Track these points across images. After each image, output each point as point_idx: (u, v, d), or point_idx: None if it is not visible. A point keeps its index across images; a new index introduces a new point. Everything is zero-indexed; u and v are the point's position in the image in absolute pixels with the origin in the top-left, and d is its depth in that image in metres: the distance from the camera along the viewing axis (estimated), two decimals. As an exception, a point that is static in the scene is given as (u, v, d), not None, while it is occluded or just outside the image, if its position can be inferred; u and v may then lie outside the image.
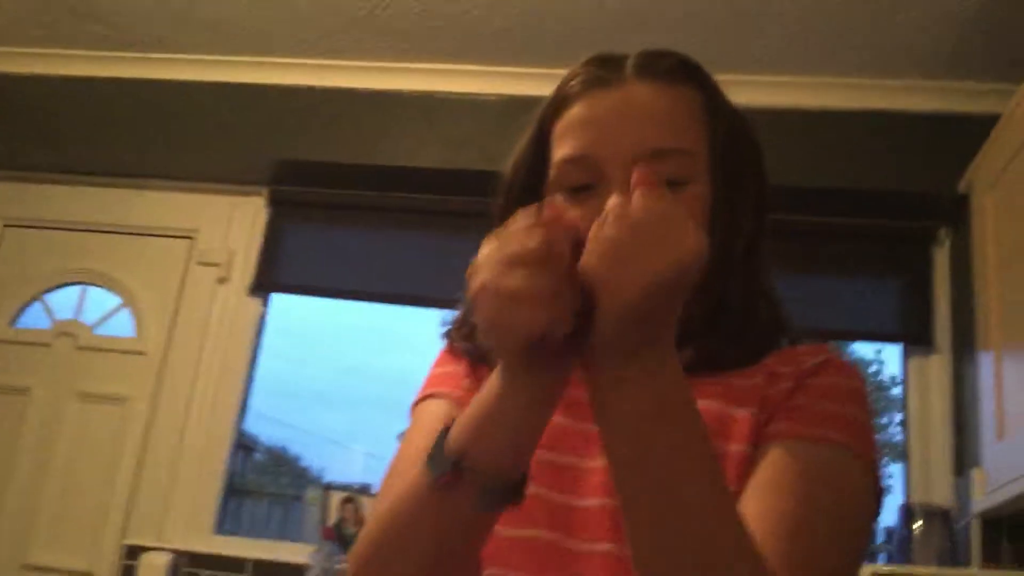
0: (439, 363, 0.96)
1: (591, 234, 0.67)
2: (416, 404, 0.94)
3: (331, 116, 2.81)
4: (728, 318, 0.87)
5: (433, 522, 0.74)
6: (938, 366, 2.52)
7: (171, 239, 2.91)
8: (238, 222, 2.90)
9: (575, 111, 0.89)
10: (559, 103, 0.92)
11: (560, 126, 0.91)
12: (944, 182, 2.44)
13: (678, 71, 0.91)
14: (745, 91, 2.52)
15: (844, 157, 2.55)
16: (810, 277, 2.68)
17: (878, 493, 0.81)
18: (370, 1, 2.51)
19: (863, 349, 8.30)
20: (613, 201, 0.68)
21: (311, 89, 2.82)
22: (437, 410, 0.90)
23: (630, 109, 0.87)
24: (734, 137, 0.91)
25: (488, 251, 0.67)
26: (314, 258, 2.88)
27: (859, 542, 0.80)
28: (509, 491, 0.73)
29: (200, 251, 2.88)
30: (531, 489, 0.77)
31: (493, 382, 0.72)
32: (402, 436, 0.92)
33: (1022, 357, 1.94)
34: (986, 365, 2.13)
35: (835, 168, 2.55)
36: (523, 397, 0.71)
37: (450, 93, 2.76)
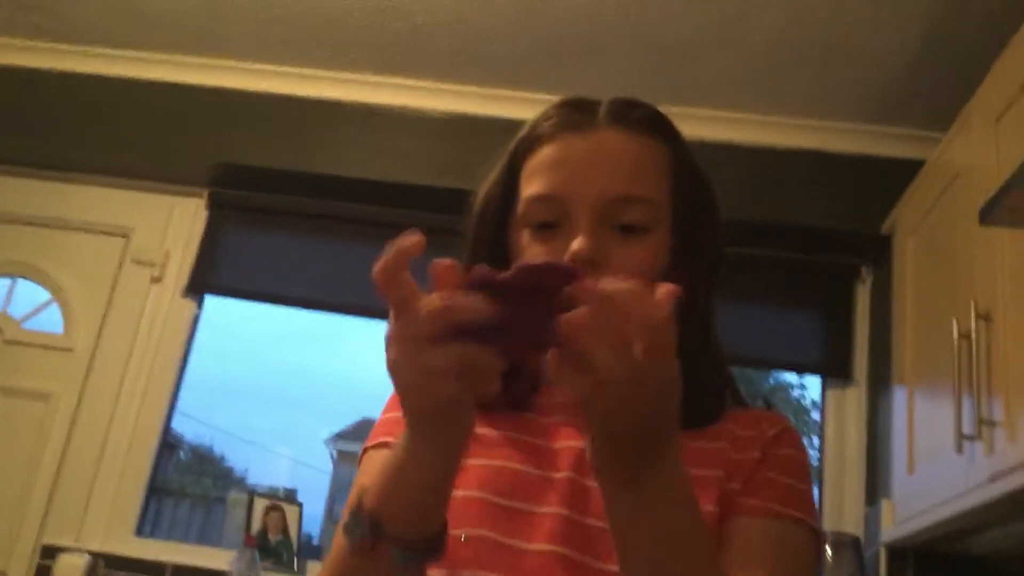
0: (389, 407, 0.98)
1: (566, 321, 0.60)
2: (365, 451, 0.95)
3: (275, 122, 2.80)
4: (687, 376, 0.90)
5: None
6: (855, 398, 2.61)
7: (106, 236, 2.86)
8: (176, 222, 2.87)
9: (547, 151, 0.92)
10: (532, 141, 0.94)
11: (531, 164, 0.93)
12: (869, 222, 2.53)
13: (649, 123, 0.94)
14: (683, 123, 2.63)
15: (775, 193, 2.63)
16: (737, 306, 2.75)
17: (821, 556, 0.89)
18: (322, 12, 2.52)
19: (788, 374, 8.48)
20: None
21: (257, 94, 2.82)
22: (382, 460, 0.92)
23: (601, 154, 0.90)
24: (696, 194, 0.95)
25: (397, 326, 0.65)
26: (250, 262, 2.87)
27: None
28: (428, 547, 0.74)
29: (135, 249, 2.84)
30: (480, 532, 0.81)
31: (403, 445, 0.73)
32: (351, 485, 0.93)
33: (933, 394, 2.02)
34: (900, 400, 2.22)
35: (766, 203, 2.63)
36: (427, 456, 0.72)
37: (394, 107, 2.78)
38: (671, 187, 0.93)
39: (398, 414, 0.94)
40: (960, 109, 2.05)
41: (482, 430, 0.91)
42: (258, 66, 2.81)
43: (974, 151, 1.92)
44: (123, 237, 2.87)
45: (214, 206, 2.88)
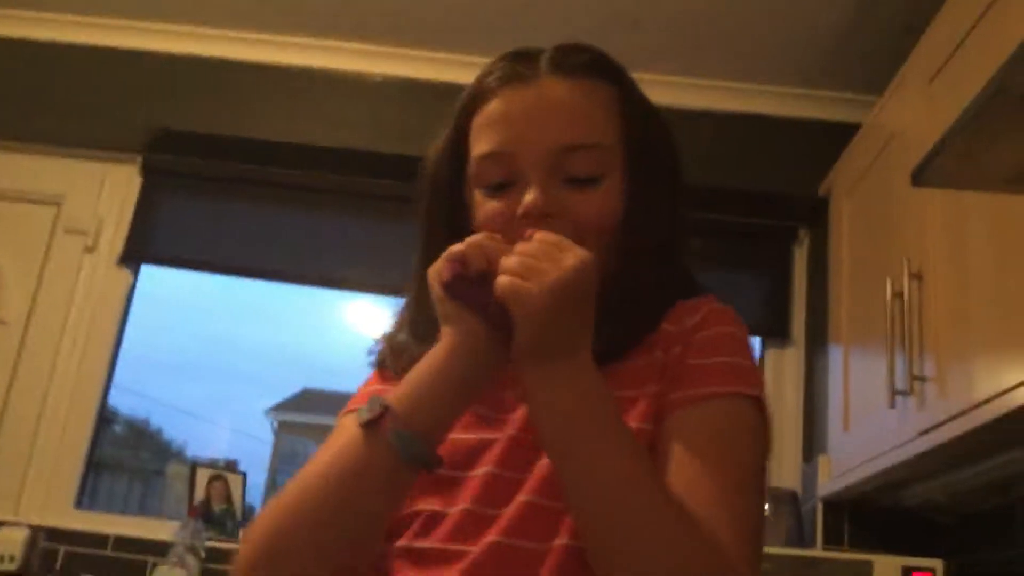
0: (368, 382, 0.98)
1: (500, 263, 0.77)
2: (340, 415, 0.95)
3: (211, 86, 2.75)
4: (633, 302, 0.91)
5: (351, 475, 0.79)
6: (793, 358, 2.66)
7: (36, 205, 2.78)
8: (108, 190, 2.80)
9: (491, 107, 0.92)
10: (476, 98, 0.94)
11: (477, 121, 0.93)
12: (806, 185, 2.58)
13: (592, 66, 0.94)
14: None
15: (713, 157, 2.65)
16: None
17: (768, 423, 0.87)
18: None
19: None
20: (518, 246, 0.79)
21: (192, 57, 2.76)
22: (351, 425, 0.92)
23: (544, 106, 0.90)
24: (649, 131, 0.95)
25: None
26: (187, 230, 2.81)
27: (763, 479, 0.86)
28: (424, 454, 0.78)
29: (67, 218, 2.77)
30: (415, 507, 0.85)
31: (437, 356, 0.80)
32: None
33: (868, 353, 2.08)
34: (835, 359, 2.27)
35: (703, 167, 2.63)
36: (463, 356, 0.79)
37: (333, 70, 2.75)
38: (621, 127, 0.92)
39: (377, 386, 0.95)
40: (891, 72, 2.09)
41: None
42: (192, 29, 2.75)
43: (908, 113, 1.96)
44: (54, 205, 2.78)
45: (148, 173, 2.81)
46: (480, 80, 0.94)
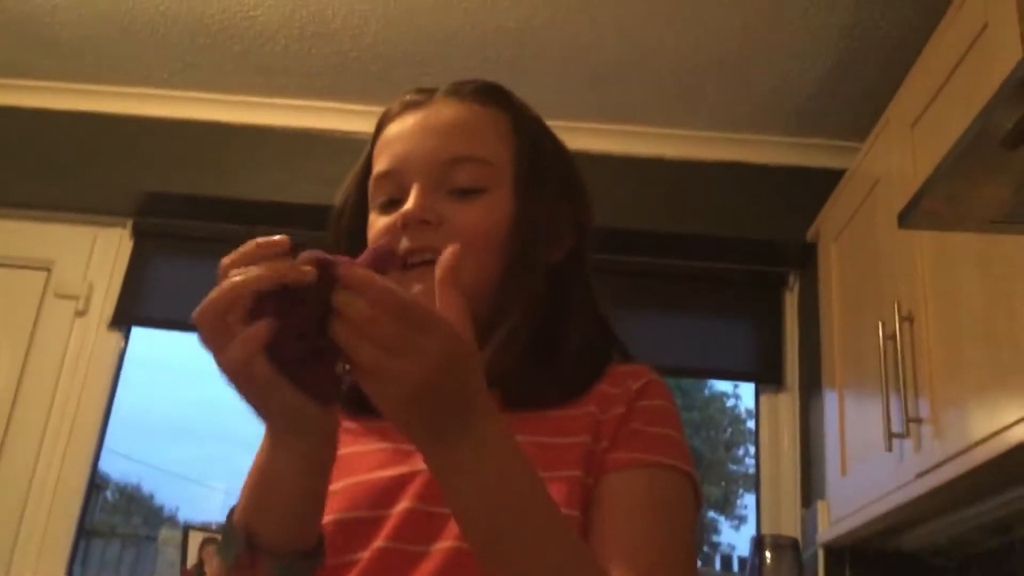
0: None
1: (351, 356, 0.61)
2: None
3: (199, 149, 2.76)
4: (555, 354, 0.90)
5: None
6: (787, 403, 2.66)
7: (26, 270, 2.78)
8: (99, 254, 2.80)
9: (387, 131, 0.95)
10: (377, 128, 0.98)
11: (377, 148, 0.96)
12: (794, 231, 2.59)
13: (482, 92, 0.97)
14: (610, 140, 2.67)
15: (702, 205, 2.68)
16: (670, 317, 2.79)
17: (698, 499, 0.88)
18: (247, 38, 2.50)
19: (721, 384, 8.60)
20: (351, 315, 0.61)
21: (180, 121, 2.77)
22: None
23: (432, 123, 0.93)
24: (540, 154, 0.96)
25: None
26: (178, 291, 2.81)
27: (693, 550, 0.87)
28: (306, 560, 0.72)
29: (57, 283, 2.77)
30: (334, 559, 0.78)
31: (264, 451, 0.71)
32: None
33: (862, 397, 2.07)
34: (830, 403, 2.27)
35: (693, 215, 2.67)
36: (295, 463, 0.69)
37: (321, 130, 2.76)
38: (512, 151, 0.94)
39: None
40: (874, 119, 2.12)
41: (352, 448, 0.89)
42: (180, 93, 2.77)
43: (892, 157, 1.98)
44: (44, 271, 2.79)
45: (138, 235, 2.82)
46: (383, 113, 0.98)
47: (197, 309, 0.62)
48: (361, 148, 0.99)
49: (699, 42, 2.36)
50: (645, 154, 2.68)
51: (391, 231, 0.89)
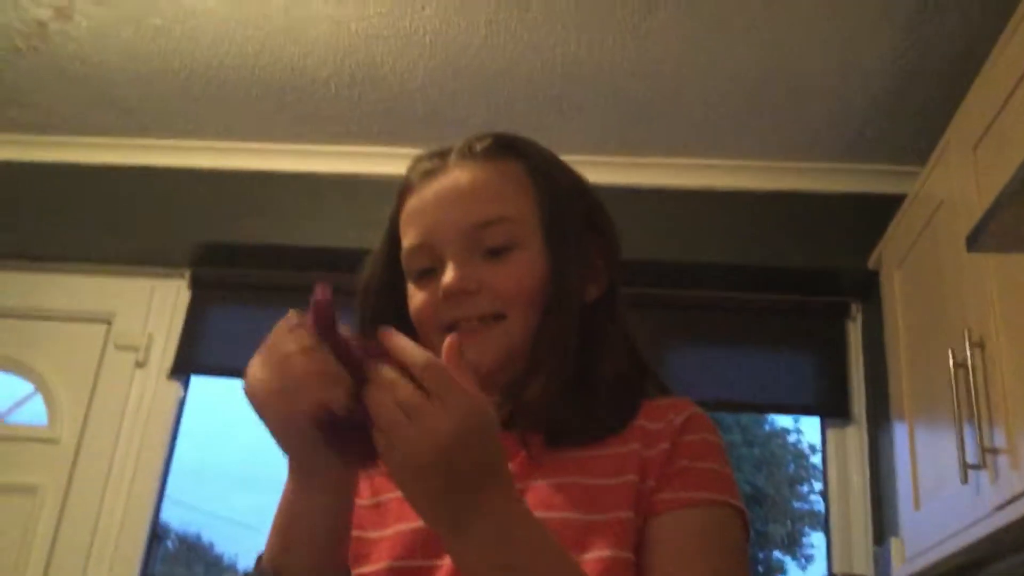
0: None
1: (374, 415, 0.66)
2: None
3: (254, 198, 2.80)
4: (590, 389, 0.90)
5: None
6: (855, 437, 2.59)
7: (87, 323, 2.83)
8: (157, 304, 2.85)
9: (409, 203, 0.96)
10: (399, 199, 0.99)
11: (402, 219, 0.97)
12: (854, 259, 2.54)
13: (494, 148, 0.97)
14: (661, 174, 2.65)
15: (759, 236, 2.64)
16: (731, 351, 2.74)
17: (747, 532, 0.87)
18: (298, 87, 2.54)
19: (782, 419, 8.47)
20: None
21: (235, 172, 2.82)
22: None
23: (453, 191, 0.94)
24: (561, 194, 0.96)
25: (255, 361, 0.71)
26: (235, 339, 2.84)
27: None
28: None
29: (117, 335, 2.81)
30: None
31: (289, 491, 0.75)
32: None
33: (934, 428, 2.01)
34: (900, 436, 2.20)
35: (750, 247, 2.64)
36: (321, 499, 0.74)
37: (372, 175, 2.79)
38: (533, 199, 0.94)
39: None
40: (933, 142, 2.08)
41: (388, 495, 0.91)
42: (234, 144, 2.82)
43: (954, 180, 1.93)
44: (105, 323, 2.84)
45: (196, 285, 2.86)
46: (403, 183, 0.99)
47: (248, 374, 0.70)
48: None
49: (748, 71, 2.34)
50: (698, 187, 2.66)
51: (433, 304, 0.91)
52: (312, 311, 0.68)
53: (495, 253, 0.91)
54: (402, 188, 0.99)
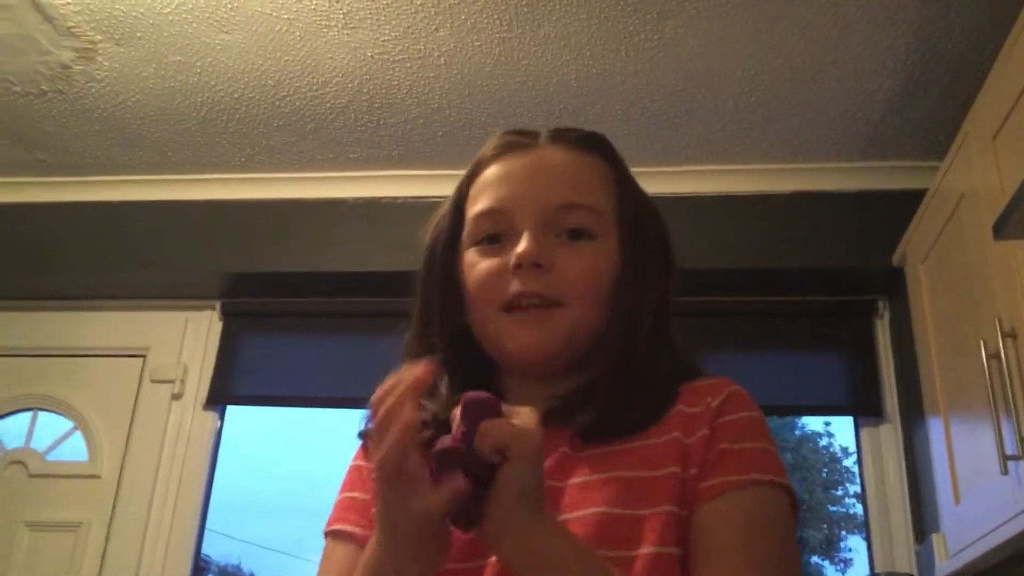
0: (345, 486, 0.96)
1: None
2: (326, 534, 0.93)
3: (279, 226, 2.83)
4: (630, 380, 0.89)
5: None
6: (889, 435, 2.57)
7: (123, 358, 2.87)
8: (191, 337, 2.89)
9: (489, 172, 0.95)
10: (475, 168, 0.97)
11: (475, 187, 0.95)
12: (878, 257, 2.53)
13: (589, 141, 0.97)
14: (682, 181, 2.66)
15: (781, 238, 2.64)
16: (759, 355, 2.74)
17: (797, 512, 0.85)
18: (318, 115, 2.57)
19: (812, 423, 8.40)
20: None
21: (259, 202, 2.85)
22: (343, 558, 0.89)
23: (542, 167, 0.93)
24: (641, 207, 0.96)
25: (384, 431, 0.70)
26: (268, 367, 2.87)
27: (798, 564, 0.84)
28: None
29: (153, 368, 2.85)
30: None
31: (379, 557, 0.73)
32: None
33: (968, 420, 2.00)
34: (936, 431, 2.19)
35: (773, 249, 2.64)
36: (413, 568, 0.73)
37: (395, 198, 2.81)
38: (616, 202, 0.94)
39: (354, 493, 0.94)
40: (950, 136, 2.08)
41: None
42: (257, 175, 2.86)
43: (975, 172, 1.93)
44: (140, 357, 2.87)
45: (227, 316, 2.89)
46: (480, 154, 0.98)
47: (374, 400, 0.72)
48: (428, 211, 0.99)
49: (762, 76, 2.35)
50: (717, 192, 2.66)
51: (498, 274, 0.89)
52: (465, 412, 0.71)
53: (574, 236, 0.90)
54: (477, 161, 0.97)
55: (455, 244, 0.95)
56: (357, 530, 0.90)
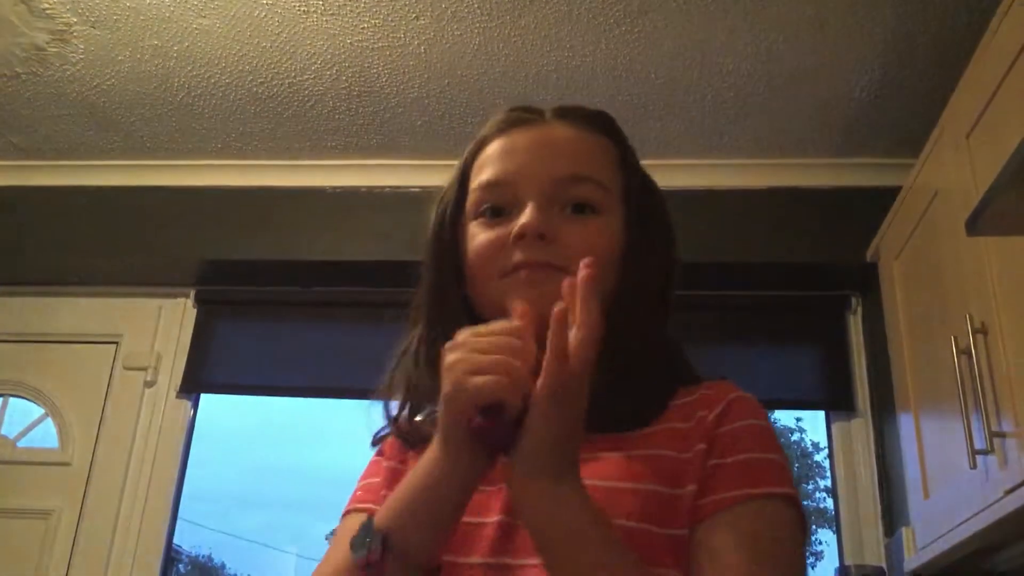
0: (367, 472, 0.97)
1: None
2: (344, 515, 0.94)
3: (254, 214, 2.82)
4: (642, 372, 0.88)
5: None
6: (861, 430, 2.59)
7: (95, 345, 2.85)
8: (164, 324, 2.87)
9: (494, 145, 0.94)
10: (479, 143, 0.96)
11: (479, 161, 0.94)
12: (853, 252, 2.55)
13: (597, 119, 0.97)
14: (658, 175, 2.66)
15: (756, 233, 2.65)
16: (732, 349, 2.76)
17: (805, 523, 0.83)
18: (295, 103, 2.56)
19: (784, 418, 8.45)
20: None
21: (235, 189, 2.84)
22: (355, 526, 0.89)
23: (548, 141, 0.92)
24: (647, 190, 0.96)
25: (467, 336, 0.73)
26: (242, 356, 2.86)
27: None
28: (431, 571, 0.76)
29: (126, 355, 2.83)
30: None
31: (425, 466, 0.76)
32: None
33: (940, 416, 2.02)
34: (906, 425, 2.21)
35: (748, 244, 2.65)
36: (459, 478, 0.74)
37: (372, 187, 2.81)
38: (622, 181, 0.93)
39: (371, 480, 0.94)
40: (925, 133, 2.10)
41: None
42: (233, 162, 2.84)
43: (949, 169, 1.95)
44: (113, 344, 2.85)
45: (201, 303, 2.87)
46: (485, 129, 0.97)
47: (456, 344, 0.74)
48: (409, 202, 0.98)
49: (739, 70, 2.36)
50: (692, 186, 2.67)
51: (500, 245, 0.88)
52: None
53: (578, 210, 0.89)
54: (481, 137, 0.96)
55: (458, 218, 0.94)
56: (372, 506, 0.89)
